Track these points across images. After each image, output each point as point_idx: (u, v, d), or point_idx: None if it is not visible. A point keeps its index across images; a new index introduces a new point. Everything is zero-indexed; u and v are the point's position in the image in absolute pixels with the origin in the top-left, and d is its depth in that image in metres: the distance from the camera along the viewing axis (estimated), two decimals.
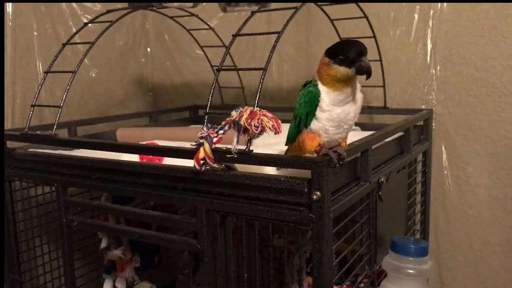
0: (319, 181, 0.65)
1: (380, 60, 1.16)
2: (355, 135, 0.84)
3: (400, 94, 1.25)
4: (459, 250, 1.22)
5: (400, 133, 1.01)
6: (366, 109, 1.24)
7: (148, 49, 1.65)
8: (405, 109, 1.19)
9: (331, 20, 1.17)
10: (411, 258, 0.83)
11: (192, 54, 1.57)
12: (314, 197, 0.65)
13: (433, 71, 1.20)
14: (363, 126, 1.19)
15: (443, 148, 1.20)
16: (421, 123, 1.15)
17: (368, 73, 0.68)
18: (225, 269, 0.99)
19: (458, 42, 1.16)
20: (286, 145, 0.81)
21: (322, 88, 0.70)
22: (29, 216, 1.05)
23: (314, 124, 0.71)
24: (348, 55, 0.67)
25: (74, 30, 1.25)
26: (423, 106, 1.21)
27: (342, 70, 0.68)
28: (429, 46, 1.20)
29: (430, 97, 1.21)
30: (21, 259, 1.05)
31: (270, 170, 0.78)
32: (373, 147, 0.82)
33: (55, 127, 0.90)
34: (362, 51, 0.68)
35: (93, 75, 1.46)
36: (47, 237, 1.10)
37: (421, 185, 1.17)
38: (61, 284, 1.05)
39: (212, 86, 0.76)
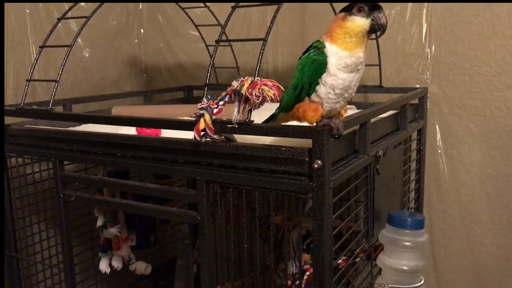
0: (320, 150, 0.65)
1: (376, 39, 1.16)
2: (350, 113, 0.84)
3: (395, 73, 1.25)
4: (451, 227, 1.23)
5: (395, 111, 1.02)
6: (361, 88, 1.24)
7: (142, 30, 1.63)
8: (400, 87, 1.20)
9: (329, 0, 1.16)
10: (407, 231, 0.84)
11: (186, 35, 1.56)
12: (315, 165, 0.66)
13: (428, 50, 1.21)
14: (358, 105, 1.20)
15: (437, 127, 1.21)
16: (416, 101, 1.16)
17: (383, 26, 0.68)
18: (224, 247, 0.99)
19: (453, 21, 1.17)
20: (279, 112, 0.79)
21: (331, 48, 0.69)
22: (25, 194, 1.04)
23: (318, 92, 0.71)
24: (366, 4, 0.68)
25: (67, 8, 1.23)
26: (418, 86, 1.22)
27: (358, 21, 0.68)
28: (424, 25, 1.21)
29: (425, 76, 1.22)
30: (17, 236, 1.05)
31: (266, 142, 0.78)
32: (371, 121, 0.82)
33: (51, 101, 0.89)
34: (380, 6, 0.69)
35: (87, 55, 1.44)
36: (44, 215, 1.10)
37: (415, 163, 1.18)
38: (59, 261, 1.05)
39: (211, 58, 0.76)
